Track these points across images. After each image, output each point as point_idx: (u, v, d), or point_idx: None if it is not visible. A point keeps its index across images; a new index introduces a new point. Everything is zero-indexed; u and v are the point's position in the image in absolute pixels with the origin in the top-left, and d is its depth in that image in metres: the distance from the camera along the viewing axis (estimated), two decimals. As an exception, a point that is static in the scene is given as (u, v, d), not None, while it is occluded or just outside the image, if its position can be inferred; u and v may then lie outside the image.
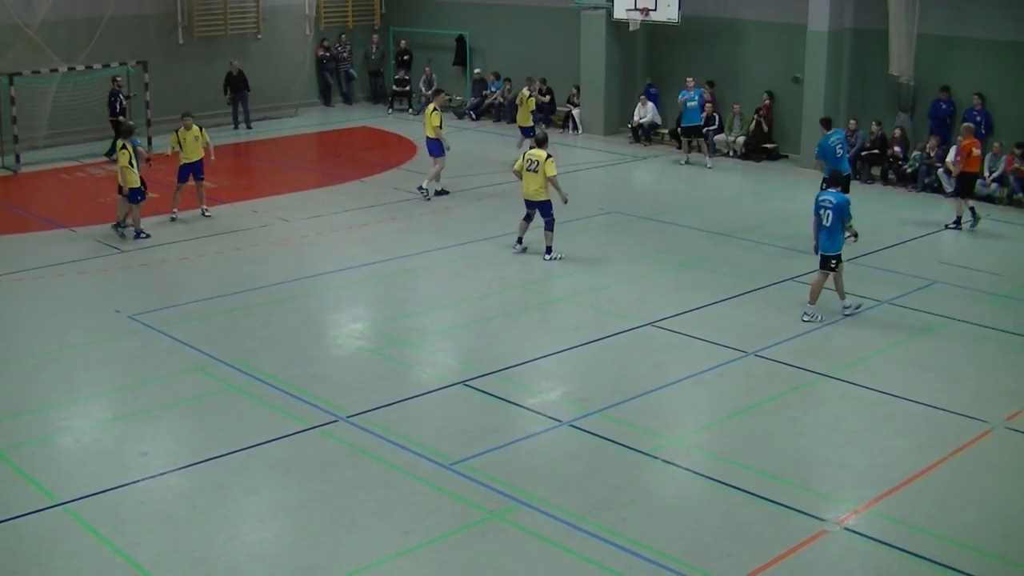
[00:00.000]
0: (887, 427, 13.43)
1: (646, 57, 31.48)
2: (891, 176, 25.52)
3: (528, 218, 20.21)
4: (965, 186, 22.16)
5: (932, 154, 24.93)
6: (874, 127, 25.72)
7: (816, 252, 17.29)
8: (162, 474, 12.23)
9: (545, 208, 19.81)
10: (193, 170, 22.59)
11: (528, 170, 19.59)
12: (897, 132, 25.52)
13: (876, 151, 25.50)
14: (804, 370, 15.04)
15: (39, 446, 13.01)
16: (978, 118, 24.56)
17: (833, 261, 16.93)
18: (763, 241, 21.11)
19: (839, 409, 13.94)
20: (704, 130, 28.36)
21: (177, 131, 22.57)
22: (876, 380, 14.72)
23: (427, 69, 35.54)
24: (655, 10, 28.94)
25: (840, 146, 21.39)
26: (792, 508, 11.48)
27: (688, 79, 28.27)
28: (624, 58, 31.40)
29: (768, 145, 28.34)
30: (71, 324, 16.87)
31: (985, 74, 24.94)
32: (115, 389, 14.66)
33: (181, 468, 12.39)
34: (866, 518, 11.34)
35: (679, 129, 28.64)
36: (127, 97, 28.29)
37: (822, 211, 16.90)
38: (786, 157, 28.19)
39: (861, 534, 11.03)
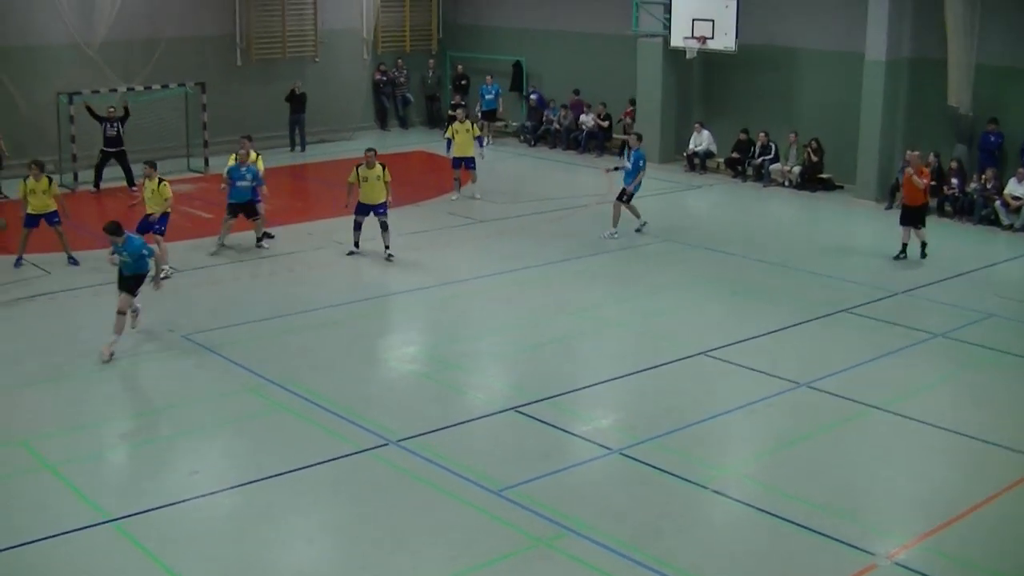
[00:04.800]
0: (938, 460, 13.29)
1: (703, 85, 31.46)
2: (947, 208, 25.27)
3: (359, 226, 21.71)
4: (920, 215, 22.01)
5: (989, 186, 24.72)
6: (931, 159, 25.49)
7: None
8: (212, 493, 12.30)
9: (384, 209, 21.54)
10: (45, 217, 20.69)
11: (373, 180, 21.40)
12: (954, 164, 25.31)
13: (934, 183, 25.25)
14: (856, 402, 14.90)
15: (91, 462, 13.13)
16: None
17: None
18: (817, 272, 20.94)
19: (890, 441, 13.80)
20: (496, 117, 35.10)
21: (25, 180, 20.68)
22: (928, 413, 14.55)
23: (484, 95, 35.69)
24: (712, 38, 28.96)
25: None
26: (842, 541, 11.36)
27: (488, 76, 34.81)
28: (680, 86, 31.41)
29: (823, 175, 28.19)
30: (124, 342, 17.02)
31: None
32: (167, 407, 14.78)
33: (231, 488, 12.45)
34: (917, 552, 11.20)
35: (480, 113, 34.28)
36: (115, 121, 27.62)
37: None
38: (841, 188, 28.00)
39: (912, 569, 10.89)
